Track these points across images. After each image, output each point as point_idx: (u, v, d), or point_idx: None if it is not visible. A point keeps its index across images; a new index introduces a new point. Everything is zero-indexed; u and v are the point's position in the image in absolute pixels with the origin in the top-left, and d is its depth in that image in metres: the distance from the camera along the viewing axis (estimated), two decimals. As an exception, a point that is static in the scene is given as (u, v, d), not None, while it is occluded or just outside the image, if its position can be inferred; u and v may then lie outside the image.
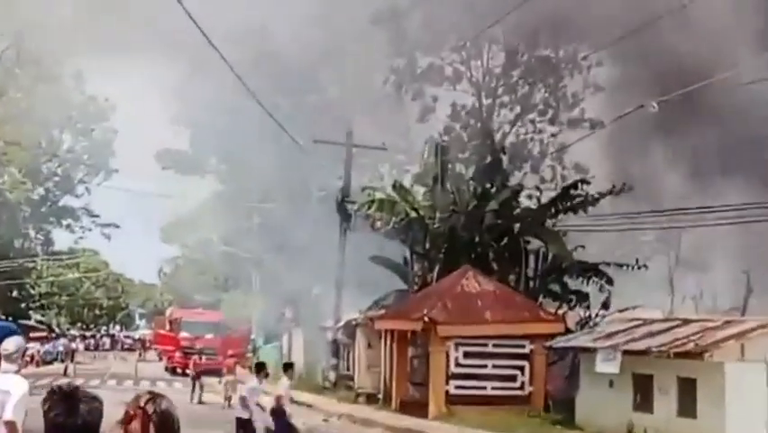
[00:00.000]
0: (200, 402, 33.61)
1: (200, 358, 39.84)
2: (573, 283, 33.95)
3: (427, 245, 36.70)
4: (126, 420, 4.00)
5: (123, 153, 72.71)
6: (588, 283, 33.59)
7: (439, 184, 37.24)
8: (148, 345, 74.57)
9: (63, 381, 4.64)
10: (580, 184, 34.72)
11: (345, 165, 40.08)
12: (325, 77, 56.38)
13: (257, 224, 57.05)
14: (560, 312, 32.47)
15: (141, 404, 4.02)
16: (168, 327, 56.67)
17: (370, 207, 37.41)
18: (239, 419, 18.03)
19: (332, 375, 37.84)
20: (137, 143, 78.17)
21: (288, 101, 57.81)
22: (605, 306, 32.42)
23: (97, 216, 78.75)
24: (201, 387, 35.17)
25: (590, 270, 33.50)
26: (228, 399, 32.39)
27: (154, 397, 4.09)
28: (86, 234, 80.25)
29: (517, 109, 39.49)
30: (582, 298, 33.46)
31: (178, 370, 51.19)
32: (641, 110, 30.60)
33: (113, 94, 67.27)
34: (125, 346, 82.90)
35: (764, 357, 20.95)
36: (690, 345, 21.96)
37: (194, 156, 62.93)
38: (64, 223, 77.68)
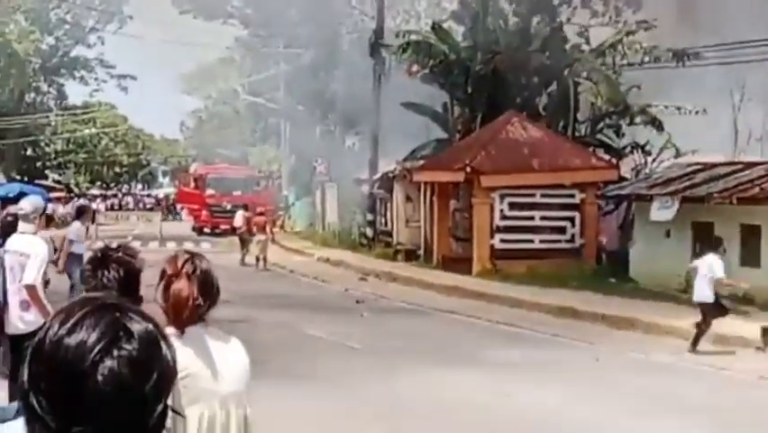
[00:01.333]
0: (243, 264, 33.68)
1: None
2: (628, 128, 33.67)
3: (469, 90, 36.43)
4: (167, 281, 4.12)
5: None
6: (644, 127, 33.29)
7: (480, 22, 36.69)
8: (171, 203, 75.50)
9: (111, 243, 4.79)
10: (640, 28, 33.94)
11: (377, 3, 39.51)
12: None
13: (285, 71, 56.83)
14: (613, 158, 32.32)
15: (180, 264, 4.13)
16: (192, 184, 57.26)
17: (405, 51, 37.04)
18: None
19: (369, 231, 38.25)
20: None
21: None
22: (662, 150, 32.24)
23: (113, 66, 78.91)
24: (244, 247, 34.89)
25: (645, 113, 33.16)
26: (262, 259, 32.92)
27: (192, 257, 4.19)
28: (101, 86, 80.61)
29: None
30: (637, 144, 33.25)
31: (206, 229, 52.04)
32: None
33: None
34: (148, 206, 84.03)
35: (835, 201, 20.91)
36: (755, 190, 21.95)
37: (212, -1, 62.26)
38: (77, 75, 77.96)
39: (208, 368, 4.05)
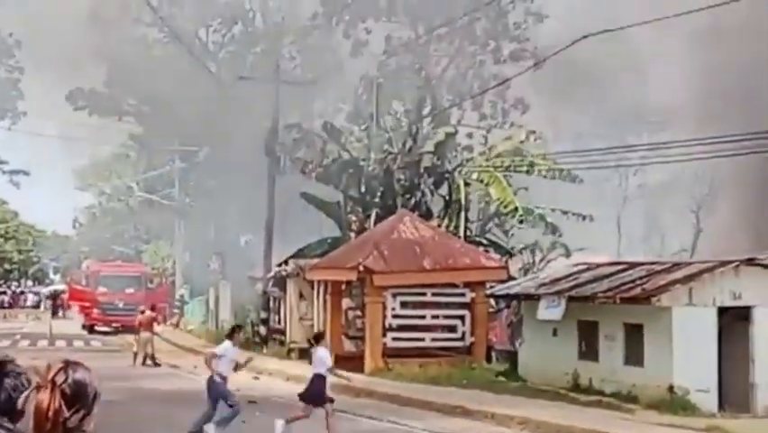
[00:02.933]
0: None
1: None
2: (516, 229, 34.33)
3: (362, 189, 36.79)
4: (36, 392, 4.01)
5: (32, 94, 71.01)
6: (532, 227, 34.01)
7: (374, 123, 37.26)
8: (62, 301, 73.74)
9: None
10: (528, 136, 34.92)
11: (273, 104, 39.83)
12: (252, 6, 55.85)
13: (179, 169, 56.58)
14: (502, 258, 32.82)
15: (51, 375, 4.01)
16: (84, 281, 56.16)
17: (300, 150, 37.37)
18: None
19: (262, 330, 37.90)
20: (47, 83, 76.45)
21: (211, 36, 57.25)
22: (548, 251, 32.93)
23: (5, 161, 77.37)
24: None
25: (534, 215, 33.90)
26: (145, 357, 32.60)
27: (66, 366, 4.07)
28: (-9, 182, 78.86)
29: (456, 42, 39.51)
30: (525, 245, 33.92)
31: (96, 328, 50.91)
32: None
33: (17, 29, 65.71)
34: (33, 304, 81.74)
35: (713, 300, 21.49)
36: (637, 290, 22.39)
37: (110, 96, 61.96)
38: (-33, 170, 76.21)
39: None
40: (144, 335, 33.42)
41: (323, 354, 17.64)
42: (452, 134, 36.58)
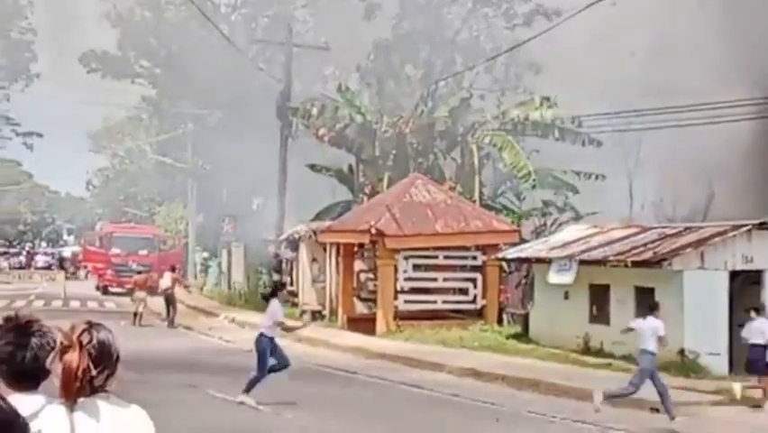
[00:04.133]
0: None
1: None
2: (529, 191, 34.31)
3: (375, 152, 36.77)
4: (61, 352, 4.05)
5: (45, 56, 71.01)
6: (542, 190, 34.00)
7: (386, 86, 37.17)
8: (76, 262, 74.05)
9: (20, 310, 4.64)
10: (543, 102, 34.78)
11: (285, 67, 39.72)
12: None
13: (192, 132, 56.58)
14: (514, 221, 32.84)
15: (77, 335, 4.05)
16: (98, 243, 56.38)
17: (312, 114, 37.32)
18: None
19: (275, 292, 37.97)
20: (60, 45, 76.38)
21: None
22: (563, 210, 32.93)
23: (18, 123, 77.51)
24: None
25: (547, 177, 33.87)
26: (136, 315, 33.12)
27: (90, 327, 4.12)
28: (5, 144, 79.02)
29: (469, 4, 39.29)
30: (537, 208, 33.92)
31: (110, 289, 51.18)
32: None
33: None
34: (48, 264, 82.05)
35: (725, 264, 21.49)
36: (649, 254, 22.41)
37: (122, 58, 61.91)
38: (-19, 132, 76.39)
39: None
40: (139, 294, 33.99)
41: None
42: (466, 99, 36.49)
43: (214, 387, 18.56)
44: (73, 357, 4.01)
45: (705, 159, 32.15)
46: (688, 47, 34.31)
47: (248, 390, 16.87)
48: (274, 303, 17.50)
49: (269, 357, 17.02)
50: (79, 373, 3.99)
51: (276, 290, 18.69)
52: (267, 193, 44.10)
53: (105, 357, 4.07)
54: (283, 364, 17.26)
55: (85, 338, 4.04)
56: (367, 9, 40.48)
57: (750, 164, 33.63)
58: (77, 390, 4.01)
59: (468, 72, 38.11)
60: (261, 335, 17.27)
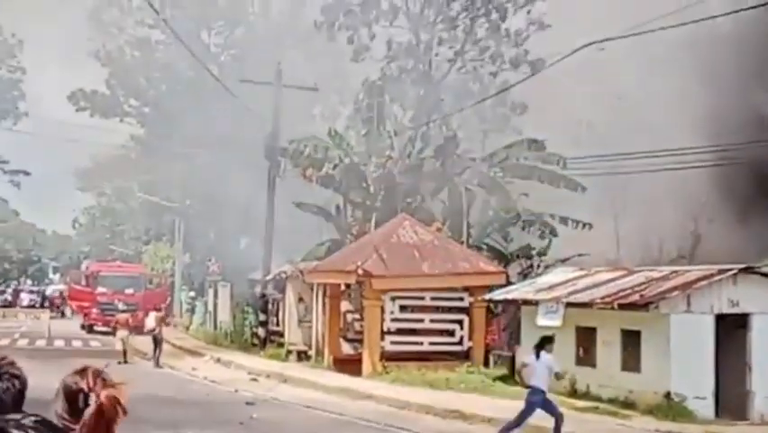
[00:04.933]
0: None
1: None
2: (516, 233, 34.39)
3: (363, 193, 36.82)
4: (69, 396, 3.86)
5: (33, 95, 71.09)
6: (528, 233, 34.08)
7: (375, 127, 37.29)
8: (60, 301, 73.64)
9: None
10: (531, 145, 35.01)
11: (274, 107, 39.83)
12: (254, 9, 55.94)
13: (180, 171, 56.59)
14: (501, 263, 32.85)
15: (91, 384, 3.89)
16: (84, 281, 56.16)
17: (300, 155, 37.40)
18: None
19: (261, 332, 37.88)
20: (48, 84, 76.54)
21: (213, 39, 57.34)
22: (539, 254, 33.03)
23: (6, 161, 77.46)
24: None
25: (534, 221, 33.95)
26: (123, 353, 33.27)
27: (100, 372, 3.95)
28: (-8, 182, 78.92)
29: (457, 46, 39.53)
30: (525, 249, 33.96)
31: (95, 328, 50.88)
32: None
33: (20, 29, 65.85)
34: (33, 303, 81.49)
35: (711, 308, 21.51)
36: (635, 297, 22.42)
37: (111, 97, 62.06)
38: (-32, 169, 76.32)
39: None
40: (121, 332, 34.32)
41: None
42: (452, 138, 36.62)
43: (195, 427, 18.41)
44: (104, 398, 3.84)
45: (691, 202, 32.32)
46: (672, 94, 34.66)
47: None
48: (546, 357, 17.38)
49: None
50: (111, 413, 3.84)
51: (542, 343, 18.19)
52: (254, 233, 44.05)
53: (122, 402, 3.93)
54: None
55: (100, 383, 3.89)
56: (355, 51, 40.67)
57: (735, 208, 33.83)
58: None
59: (456, 114, 38.26)
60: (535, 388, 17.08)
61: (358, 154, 37.23)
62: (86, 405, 3.76)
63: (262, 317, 38.20)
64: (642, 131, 33.52)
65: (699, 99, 34.07)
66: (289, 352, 34.07)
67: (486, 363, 28.68)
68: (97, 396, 3.77)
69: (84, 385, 3.80)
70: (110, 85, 61.52)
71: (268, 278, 38.15)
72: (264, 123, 39.43)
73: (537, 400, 17.05)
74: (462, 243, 33.42)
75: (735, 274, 21.90)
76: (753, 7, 24.30)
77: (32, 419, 1.84)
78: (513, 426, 17.20)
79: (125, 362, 32.58)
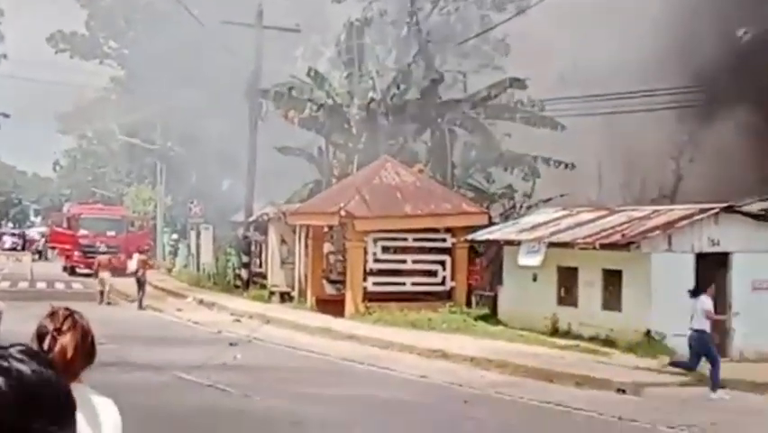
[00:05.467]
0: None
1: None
2: (498, 174, 34.39)
3: (345, 135, 36.67)
4: (39, 338, 3.94)
5: (12, 36, 70.26)
6: (512, 173, 34.07)
7: (357, 69, 37.03)
8: (42, 244, 73.39)
9: None
10: (511, 83, 34.83)
11: (255, 49, 39.50)
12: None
13: (161, 113, 56.20)
14: (484, 204, 32.90)
15: (60, 321, 3.96)
16: (65, 224, 55.96)
17: (282, 96, 37.16)
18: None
19: (243, 273, 37.96)
20: (27, 26, 75.63)
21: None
22: (526, 195, 33.07)
23: (-16, 104, 76.71)
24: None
25: (517, 161, 33.94)
26: (106, 294, 33.57)
27: (71, 313, 4.03)
28: (-29, 124, 78.20)
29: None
30: (507, 189, 34.00)
31: (78, 270, 50.81)
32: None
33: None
34: (15, 246, 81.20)
35: (692, 247, 21.61)
36: (617, 236, 22.51)
37: (91, 39, 61.39)
38: (-53, 112, 75.53)
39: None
40: (103, 275, 34.20)
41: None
42: (437, 81, 36.43)
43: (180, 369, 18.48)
44: (67, 341, 3.92)
45: (672, 141, 32.37)
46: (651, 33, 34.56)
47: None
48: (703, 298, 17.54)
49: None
50: (73, 356, 3.90)
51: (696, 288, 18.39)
52: (236, 175, 43.90)
53: (87, 345, 4.00)
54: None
55: (68, 324, 3.97)
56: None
57: (716, 148, 33.90)
58: (71, 372, 3.90)
59: (438, 54, 38.04)
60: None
61: (340, 95, 37.01)
62: (51, 348, 3.84)
63: (245, 258, 38.24)
64: (624, 71, 33.44)
65: (680, 36, 33.99)
66: (272, 293, 34.17)
67: (468, 304, 28.84)
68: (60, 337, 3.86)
69: (51, 327, 3.88)
70: (89, 26, 60.85)
71: (250, 220, 38.12)
72: (246, 64, 39.14)
73: (699, 339, 17.23)
74: (445, 184, 33.41)
75: (716, 214, 22.00)
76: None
77: (18, 348, 1.88)
78: (687, 366, 17.43)
79: (104, 302, 32.69)
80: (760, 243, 21.78)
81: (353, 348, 22.84)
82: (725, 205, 22.47)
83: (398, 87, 36.61)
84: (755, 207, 23.80)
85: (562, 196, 31.31)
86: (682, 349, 20.67)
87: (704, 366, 17.35)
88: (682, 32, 34.01)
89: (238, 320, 28.93)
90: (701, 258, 21.61)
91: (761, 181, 29.77)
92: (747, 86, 31.82)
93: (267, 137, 38.24)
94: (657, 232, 21.88)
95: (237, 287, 37.85)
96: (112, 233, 52.01)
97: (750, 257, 21.64)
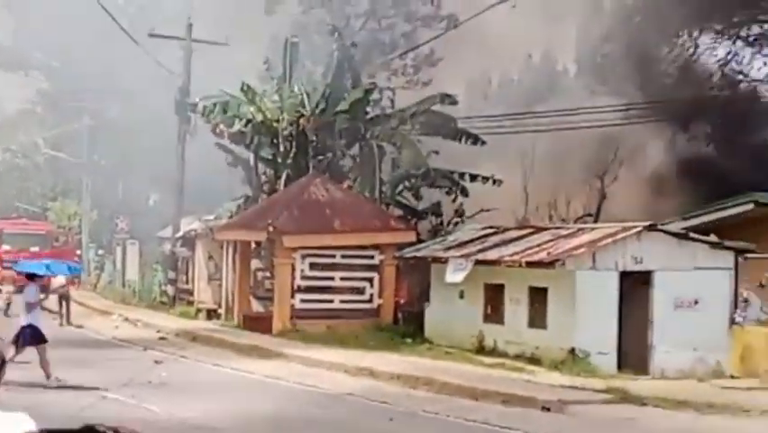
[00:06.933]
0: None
1: None
2: (427, 191, 34.55)
3: (274, 150, 36.56)
4: None
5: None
6: (440, 191, 34.27)
7: (287, 84, 36.98)
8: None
9: None
10: (441, 99, 35.05)
11: (184, 62, 39.28)
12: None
13: (87, 126, 55.56)
14: (412, 221, 33.05)
15: None
16: (-13, 239, 54.92)
17: (212, 111, 36.96)
18: None
19: (170, 290, 37.63)
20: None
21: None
22: (457, 213, 33.29)
23: None
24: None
25: (445, 178, 34.12)
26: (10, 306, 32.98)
27: None
28: None
29: (370, 3, 39.41)
30: (435, 206, 34.18)
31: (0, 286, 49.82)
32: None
33: None
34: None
35: (616, 265, 21.96)
36: (543, 254, 22.79)
37: (16, 49, 60.52)
38: None
39: None
40: (6, 287, 34.42)
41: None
42: (369, 91, 36.56)
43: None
44: None
45: (598, 161, 32.87)
46: (579, 52, 35.16)
47: None
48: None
49: None
50: None
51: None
52: (163, 190, 43.58)
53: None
54: None
55: None
56: (268, 3, 40.22)
57: (639, 167, 34.55)
58: None
59: (366, 69, 38.16)
60: None
61: (270, 111, 36.89)
62: None
63: (171, 274, 37.92)
64: (552, 88, 33.96)
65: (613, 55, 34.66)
66: (199, 310, 33.95)
67: (396, 321, 28.91)
68: None
69: None
70: (15, 37, 59.98)
71: (178, 235, 37.84)
72: (175, 77, 38.91)
73: None
74: (374, 200, 33.50)
75: (639, 232, 22.39)
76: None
77: None
78: None
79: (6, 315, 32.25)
80: (681, 261, 22.23)
81: (280, 365, 22.77)
82: (648, 223, 22.92)
83: (327, 103, 36.61)
84: (677, 225, 24.28)
85: (488, 211, 31.58)
86: (605, 367, 21.04)
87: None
88: (611, 53, 34.74)
89: (164, 338, 28.68)
90: (625, 276, 21.98)
91: (683, 200, 30.40)
92: (669, 107, 32.56)
93: (196, 153, 38.02)
94: (582, 250, 22.20)
95: (163, 303, 37.52)
96: (36, 248, 51.15)
97: (672, 275, 22.05)
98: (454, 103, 35.41)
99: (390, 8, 40.04)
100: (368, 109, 37.28)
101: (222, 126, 36.89)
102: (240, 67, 46.88)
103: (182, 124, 38.78)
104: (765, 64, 36.85)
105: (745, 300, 21.88)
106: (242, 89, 37.48)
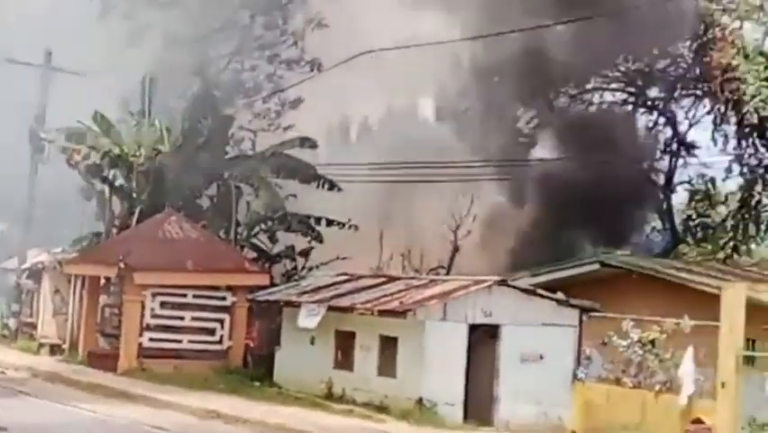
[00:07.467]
0: None
1: None
2: (282, 234, 34.59)
3: (129, 185, 36.01)
4: None
5: None
6: (296, 234, 34.35)
7: (146, 119, 36.57)
8: None
9: None
10: (301, 143, 35.24)
11: (41, 90, 38.44)
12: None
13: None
14: (266, 264, 33.02)
15: None
16: None
17: (68, 141, 36.27)
18: None
19: (12, 323, 36.49)
20: None
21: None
22: (304, 255, 33.52)
23: None
24: None
25: (301, 223, 34.23)
26: None
27: None
28: None
29: (234, 43, 39.31)
30: (289, 250, 34.23)
31: None
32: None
33: None
34: None
35: (465, 317, 22.37)
36: (395, 303, 23.05)
37: None
38: None
39: None
40: None
41: None
42: (228, 121, 36.41)
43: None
44: None
45: (451, 214, 33.49)
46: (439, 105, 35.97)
47: None
48: None
49: None
50: None
51: None
52: (10, 220, 42.32)
53: None
54: None
55: None
56: (130, 37, 39.65)
57: (493, 221, 35.37)
58: None
59: (228, 110, 38.01)
60: None
61: (127, 145, 36.34)
62: None
63: (15, 307, 36.81)
64: (415, 138, 34.54)
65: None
66: (42, 345, 33.03)
67: (245, 364, 28.70)
68: None
69: None
70: None
71: (23, 267, 36.82)
72: (28, 106, 38.02)
73: None
74: (229, 241, 33.31)
75: (489, 286, 22.88)
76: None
77: None
78: None
79: None
80: (529, 316, 22.81)
81: (124, 405, 22.31)
82: (498, 278, 23.51)
83: (185, 139, 36.32)
84: (526, 281, 24.94)
85: (343, 259, 31.77)
86: (452, 417, 21.36)
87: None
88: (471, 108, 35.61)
89: (3, 372, 27.81)
90: (474, 328, 22.40)
91: (532, 256, 31.23)
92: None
93: (48, 183, 37.15)
94: (434, 301, 22.55)
95: (5, 337, 36.35)
96: None
97: (519, 330, 22.59)
98: (314, 147, 35.67)
99: (255, 50, 40.00)
100: (227, 149, 37.19)
101: (77, 157, 36.17)
102: (100, 98, 46.17)
103: (35, 154, 37.84)
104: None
105: (588, 357, 22.52)
106: (94, 119, 36.89)
